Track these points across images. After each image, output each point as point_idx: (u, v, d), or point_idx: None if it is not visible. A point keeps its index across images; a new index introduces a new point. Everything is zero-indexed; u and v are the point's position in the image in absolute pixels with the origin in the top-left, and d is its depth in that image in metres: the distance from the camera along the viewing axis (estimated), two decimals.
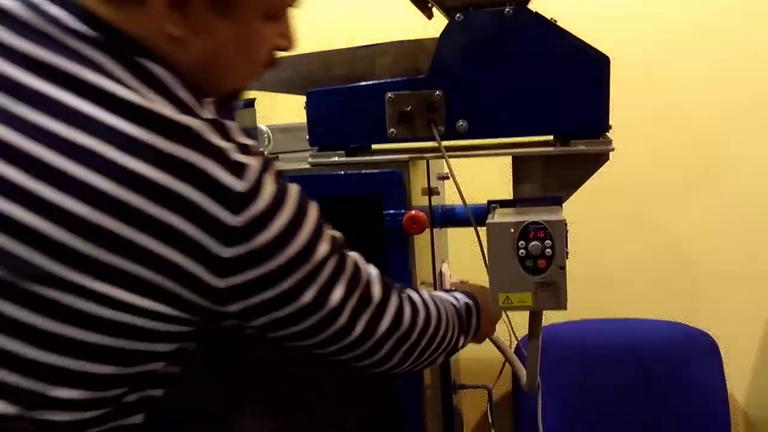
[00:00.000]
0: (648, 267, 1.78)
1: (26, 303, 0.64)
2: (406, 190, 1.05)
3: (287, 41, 0.82)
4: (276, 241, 0.69)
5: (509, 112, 1.01)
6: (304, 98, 1.07)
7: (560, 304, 0.96)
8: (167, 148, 0.65)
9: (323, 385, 1.22)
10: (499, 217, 0.99)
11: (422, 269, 1.13)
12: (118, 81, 0.67)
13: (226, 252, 0.67)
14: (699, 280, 1.78)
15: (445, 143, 1.03)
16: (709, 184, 1.73)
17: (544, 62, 0.99)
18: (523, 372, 1.20)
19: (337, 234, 0.81)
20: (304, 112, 1.08)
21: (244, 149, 0.70)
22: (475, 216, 1.06)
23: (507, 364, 1.28)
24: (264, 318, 0.74)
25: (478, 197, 1.11)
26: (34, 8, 0.68)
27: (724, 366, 1.66)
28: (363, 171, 1.06)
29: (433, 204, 1.23)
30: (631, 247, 1.77)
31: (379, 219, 1.06)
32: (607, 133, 1.03)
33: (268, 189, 0.69)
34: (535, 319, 1.05)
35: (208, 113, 0.72)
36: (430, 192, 1.23)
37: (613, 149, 1.01)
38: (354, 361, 0.86)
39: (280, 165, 0.78)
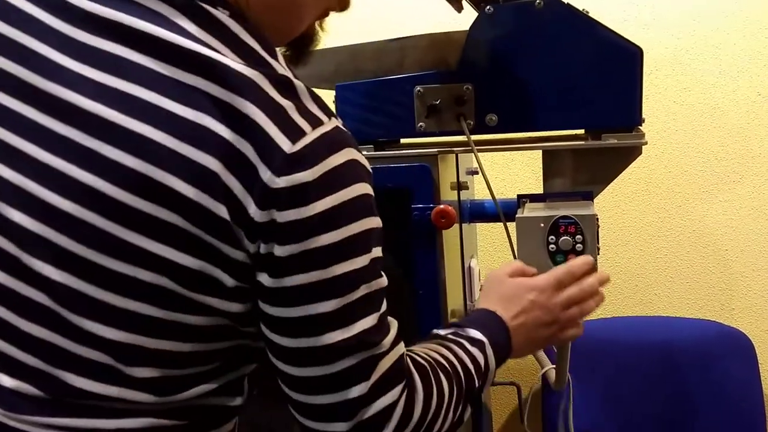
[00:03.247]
0: (680, 264, 1.75)
1: (93, 277, 0.63)
2: (434, 184, 1.04)
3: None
4: (308, 223, 0.63)
5: (539, 106, 1.00)
6: (332, 92, 1.07)
7: None
8: (222, 96, 0.61)
9: None
10: (528, 211, 0.98)
11: (450, 265, 1.12)
12: (180, 30, 0.63)
13: (258, 215, 0.62)
14: (733, 278, 1.75)
15: (474, 137, 1.02)
16: (743, 178, 1.70)
17: (576, 55, 0.98)
18: (551, 368, 1.19)
19: (384, 279, 0.71)
20: (333, 106, 1.08)
21: (308, 115, 0.64)
22: (504, 211, 1.05)
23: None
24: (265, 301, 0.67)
25: (506, 192, 1.10)
26: None
27: (760, 365, 1.63)
28: (391, 165, 1.06)
29: (461, 199, 1.23)
30: (663, 244, 1.74)
31: (407, 213, 1.05)
32: (640, 127, 1.01)
33: (322, 164, 0.63)
34: None
35: (282, 68, 0.67)
36: (459, 186, 1.22)
37: (645, 143, 0.99)
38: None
39: (363, 159, 0.70)
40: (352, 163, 0.66)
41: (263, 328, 0.69)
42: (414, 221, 1.05)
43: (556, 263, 0.95)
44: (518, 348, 0.89)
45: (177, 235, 0.62)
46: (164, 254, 0.62)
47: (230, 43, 0.65)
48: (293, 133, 0.62)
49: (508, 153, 1.68)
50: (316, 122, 0.64)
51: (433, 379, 0.76)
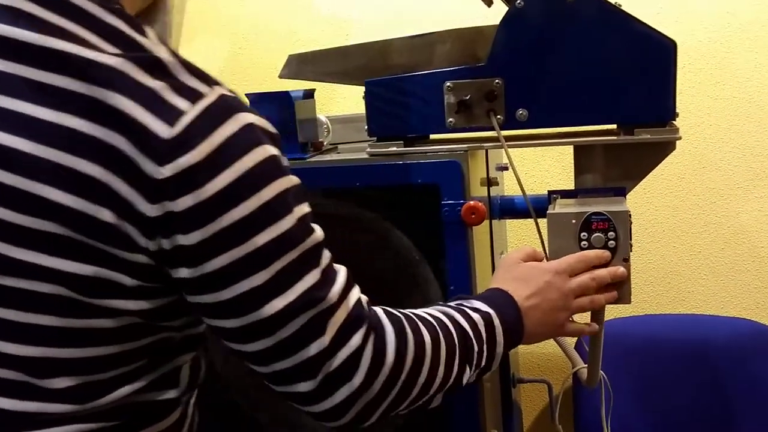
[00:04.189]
0: (714, 261, 1.72)
1: None
2: (464, 180, 1.04)
3: None
4: (209, 204, 0.60)
5: (571, 101, 0.99)
6: (362, 88, 1.07)
7: (624, 297, 0.94)
8: (86, 92, 0.58)
9: None
10: (560, 207, 0.97)
11: (481, 261, 1.11)
12: (32, 22, 0.59)
13: (150, 210, 0.59)
14: None
15: (504, 133, 1.01)
16: None
17: (608, 48, 0.96)
18: (583, 368, 1.17)
19: (318, 233, 0.69)
20: (363, 102, 1.07)
21: (186, 91, 0.60)
22: (534, 207, 1.04)
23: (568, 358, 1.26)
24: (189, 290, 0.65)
25: (536, 189, 1.09)
26: None
27: None
28: (421, 161, 1.05)
29: (491, 195, 1.22)
30: (696, 241, 1.72)
31: (437, 210, 1.05)
32: (674, 122, 0.99)
33: (209, 141, 0.59)
34: (597, 312, 1.02)
35: (152, 44, 0.63)
36: (489, 182, 1.21)
37: (680, 138, 0.97)
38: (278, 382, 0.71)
39: (263, 122, 0.65)
40: (246, 129, 0.62)
41: (203, 317, 0.67)
42: (444, 217, 1.04)
43: None
44: (533, 330, 0.88)
45: (65, 246, 0.60)
46: (56, 266, 0.60)
47: (92, 27, 0.61)
48: (169, 115, 0.59)
49: (537, 149, 1.66)
50: (195, 96, 0.60)
51: (409, 327, 0.74)
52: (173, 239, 0.61)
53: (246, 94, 1.17)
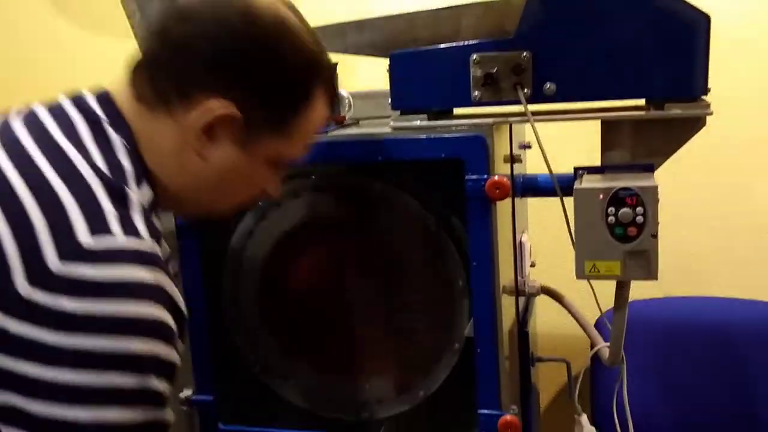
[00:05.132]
0: (736, 243, 1.70)
1: None
2: (489, 154, 1.02)
3: (274, 191, 0.86)
4: (68, 316, 0.61)
5: (601, 74, 0.97)
6: (383, 65, 1.06)
7: (651, 273, 0.93)
8: (49, 178, 0.67)
9: (398, 356, 1.21)
10: (587, 182, 0.96)
11: (502, 239, 1.10)
12: (75, 136, 0.71)
13: (23, 288, 0.61)
14: None
15: (530, 107, 1.00)
16: None
17: (639, 20, 0.94)
18: (604, 346, 1.16)
19: (164, 417, 0.69)
20: (383, 79, 1.06)
21: (128, 224, 0.66)
22: (559, 185, 1.03)
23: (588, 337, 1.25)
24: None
25: (557, 168, 1.07)
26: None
27: None
28: (445, 135, 1.04)
29: (514, 173, 1.20)
30: (719, 223, 1.70)
31: (460, 185, 1.03)
32: (705, 97, 0.97)
33: (112, 272, 0.62)
34: (622, 289, 1.01)
35: (140, 194, 0.71)
36: (512, 159, 1.20)
37: (711, 113, 0.96)
38: None
39: (176, 295, 0.69)
40: (156, 287, 0.65)
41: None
42: (468, 192, 1.03)
43: (614, 236, 0.92)
44: None
45: None
46: None
47: (104, 154, 0.71)
48: (100, 229, 0.63)
49: (560, 128, 1.64)
50: (133, 232, 0.66)
51: None
52: (23, 324, 0.61)
53: None
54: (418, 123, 1.06)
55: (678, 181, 1.68)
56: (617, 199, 0.91)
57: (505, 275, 1.13)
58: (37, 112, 0.76)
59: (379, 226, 1.15)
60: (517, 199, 1.26)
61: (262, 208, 1.17)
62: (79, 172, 0.68)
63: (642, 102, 1.02)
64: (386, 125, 1.10)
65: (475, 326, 1.08)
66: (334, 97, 0.82)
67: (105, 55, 1.93)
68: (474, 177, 1.03)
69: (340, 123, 1.21)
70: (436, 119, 1.06)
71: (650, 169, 0.99)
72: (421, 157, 1.05)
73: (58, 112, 0.75)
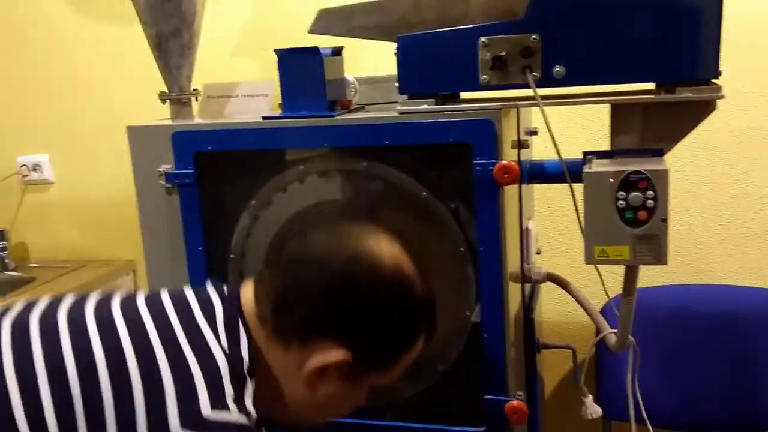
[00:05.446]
0: (743, 231, 1.69)
1: None
2: (497, 138, 1.02)
3: (361, 402, 0.90)
4: None
5: (611, 57, 0.96)
6: (389, 50, 1.05)
7: (660, 258, 0.92)
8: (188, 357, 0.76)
9: None
10: (597, 166, 0.95)
11: (510, 225, 1.10)
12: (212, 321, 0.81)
13: None
14: None
15: (539, 91, 0.99)
16: None
17: (650, 2, 0.93)
18: (611, 333, 1.16)
19: None
20: (388, 64, 1.05)
21: (241, 404, 0.75)
22: (568, 170, 1.02)
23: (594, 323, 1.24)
24: None
25: (564, 152, 1.06)
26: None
27: None
28: (453, 119, 1.03)
29: (521, 159, 1.20)
30: (725, 210, 1.69)
31: (468, 169, 1.03)
32: (716, 81, 0.96)
33: None
34: (630, 274, 1.01)
35: (251, 382, 0.79)
36: (520, 144, 1.19)
37: (722, 96, 0.95)
38: None
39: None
40: None
41: None
42: (476, 176, 1.02)
43: (624, 220, 0.92)
44: None
45: None
46: None
47: (231, 344, 0.79)
48: (219, 403, 0.72)
49: (566, 114, 1.63)
50: (244, 412, 0.75)
51: None
52: None
53: (275, 50, 1.15)
54: (425, 107, 1.05)
55: (686, 169, 1.67)
56: (628, 182, 0.90)
57: (512, 262, 1.12)
58: (186, 292, 0.85)
59: (383, 210, 1.15)
60: (523, 186, 1.25)
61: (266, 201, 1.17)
62: (210, 350, 0.77)
63: (651, 87, 1.02)
64: (392, 110, 1.09)
65: (482, 311, 1.08)
66: (434, 334, 0.89)
67: (106, 42, 1.93)
68: (482, 161, 1.02)
69: (346, 108, 1.20)
70: (444, 103, 1.05)
71: (659, 154, 0.98)
72: (429, 141, 1.04)
73: (204, 295, 0.84)
